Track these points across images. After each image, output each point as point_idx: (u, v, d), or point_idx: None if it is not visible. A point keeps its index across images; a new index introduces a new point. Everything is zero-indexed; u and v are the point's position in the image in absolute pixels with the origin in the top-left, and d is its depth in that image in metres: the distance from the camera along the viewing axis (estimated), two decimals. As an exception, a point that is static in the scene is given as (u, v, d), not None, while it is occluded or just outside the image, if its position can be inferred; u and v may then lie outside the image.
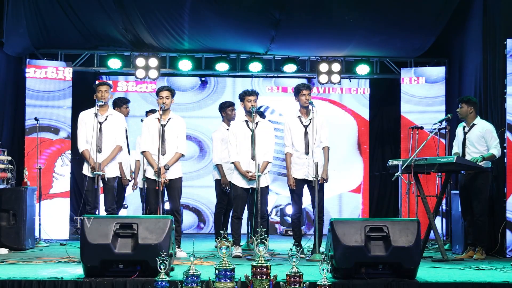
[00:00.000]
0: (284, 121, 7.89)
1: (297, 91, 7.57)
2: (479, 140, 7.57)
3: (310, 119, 7.50)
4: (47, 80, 10.34)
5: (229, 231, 7.43)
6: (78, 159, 9.95)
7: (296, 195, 7.59)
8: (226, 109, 8.64)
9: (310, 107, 7.49)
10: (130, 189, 9.07)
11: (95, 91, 7.55)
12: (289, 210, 10.06)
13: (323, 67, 10.89)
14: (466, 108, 7.68)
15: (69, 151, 10.33)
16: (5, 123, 9.83)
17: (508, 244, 7.61)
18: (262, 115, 8.58)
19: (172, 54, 10.94)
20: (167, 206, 7.94)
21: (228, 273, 4.95)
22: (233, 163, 7.59)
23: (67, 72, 10.45)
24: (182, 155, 7.62)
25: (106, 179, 7.36)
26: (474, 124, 7.66)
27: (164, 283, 4.90)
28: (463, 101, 7.72)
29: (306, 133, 7.51)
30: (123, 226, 5.42)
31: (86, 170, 7.42)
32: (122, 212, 9.28)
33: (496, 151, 7.49)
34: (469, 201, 7.64)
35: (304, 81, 11.19)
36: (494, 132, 7.60)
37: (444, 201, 9.08)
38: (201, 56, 10.97)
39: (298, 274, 4.96)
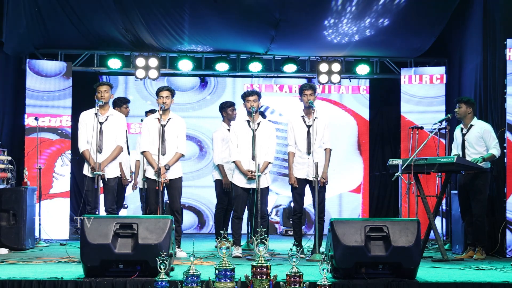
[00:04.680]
0: (288, 121, 7.91)
1: (301, 90, 7.62)
2: (478, 140, 7.57)
3: (314, 120, 7.51)
4: (47, 80, 10.35)
5: (229, 231, 7.43)
6: (78, 159, 9.96)
7: (297, 195, 7.61)
8: (226, 109, 8.64)
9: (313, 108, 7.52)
10: (130, 189, 9.07)
11: (95, 91, 7.54)
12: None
13: (323, 67, 10.90)
14: (465, 108, 7.68)
15: (69, 151, 10.33)
16: (5, 123, 9.82)
17: (508, 244, 7.61)
18: (263, 115, 8.59)
19: (172, 54, 10.94)
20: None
21: (228, 273, 4.95)
22: (234, 162, 7.60)
23: (67, 72, 10.45)
24: (182, 155, 7.62)
25: (106, 179, 7.36)
26: (472, 125, 7.66)
27: (164, 283, 4.90)
28: (462, 101, 7.72)
29: (308, 133, 7.52)
30: (123, 226, 5.42)
31: (86, 170, 7.41)
32: (122, 212, 9.29)
33: (495, 151, 7.49)
34: (468, 201, 7.64)
35: (305, 81, 11.20)
36: (492, 132, 7.60)
37: (444, 201, 9.08)
38: (201, 56, 10.97)
39: (298, 274, 4.96)
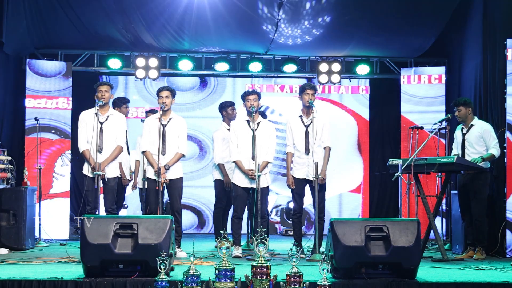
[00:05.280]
0: (286, 121, 7.90)
1: (302, 89, 7.60)
2: (478, 140, 7.57)
3: (312, 119, 7.51)
4: (47, 80, 10.34)
5: (229, 231, 7.43)
6: (78, 159, 9.95)
7: (296, 195, 7.60)
8: (226, 108, 8.65)
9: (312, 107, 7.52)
10: (130, 189, 9.06)
11: (95, 91, 7.54)
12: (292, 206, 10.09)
13: (323, 67, 10.90)
14: (464, 110, 7.68)
15: (69, 151, 10.33)
16: (5, 123, 9.82)
17: (508, 244, 7.61)
18: (263, 115, 8.60)
19: (172, 54, 10.94)
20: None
21: (228, 273, 4.95)
22: (234, 162, 7.60)
23: (67, 72, 10.45)
24: (183, 155, 7.62)
25: (106, 179, 7.36)
26: (472, 125, 7.66)
27: (164, 283, 4.90)
28: (460, 103, 7.72)
29: (306, 132, 7.52)
30: (123, 226, 5.43)
31: (86, 170, 7.42)
32: (122, 212, 9.28)
33: (495, 151, 7.49)
34: (468, 201, 7.64)
35: (305, 81, 11.19)
36: (492, 132, 7.60)
37: (444, 201, 9.08)
38: (201, 56, 10.97)
39: (298, 274, 4.96)
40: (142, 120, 8.49)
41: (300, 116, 7.63)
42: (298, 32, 9.98)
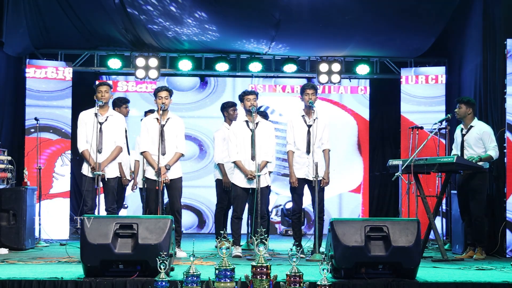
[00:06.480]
0: (288, 120, 7.91)
1: (302, 90, 7.63)
2: (477, 142, 7.56)
3: (314, 119, 7.52)
4: (47, 80, 10.35)
5: (229, 231, 7.43)
6: (78, 159, 9.96)
7: (296, 195, 7.61)
8: (228, 109, 8.65)
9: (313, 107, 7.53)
10: (130, 189, 9.06)
11: (95, 91, 7.55)
12: (289, 206, 10.11)
13: (323, 67, 10.90)
14: (464, 109, 7.67)
15: (69, 151, 10.33)
16: (5, 123, 9.82)
17: (508, 244, 7.61)
18: (265, 116, 8.59)
19: (172, 54, 10.94)
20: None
21: (228, 273, 4.95)
22: (234, 162, 7.59)
23: (67, 72, 10.45)
24: (182, 155, 7.63)
25: (106, 179, 7.36)
26: (471, 126, 7.65)
27: (164, 283, 4.90)
28: (463, 101, 7.71)
29: (308, 132, 7.52)
30: (123, 226, 5.43)
31: (85, 170, 7.42)
32: (122, 212, 9.28)
33: (494, 152, 7.48)
34: (467, 201, 7.63)
35: (305, 81, 11.20)
36: (492, 134, 7.59)
37: (444, 201, 9.08)
38: (201, 56, 10.97)
39: (298, 274, 4.96)
40: (141, 120, 8.49)
41: (303, 115, 7.63)
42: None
